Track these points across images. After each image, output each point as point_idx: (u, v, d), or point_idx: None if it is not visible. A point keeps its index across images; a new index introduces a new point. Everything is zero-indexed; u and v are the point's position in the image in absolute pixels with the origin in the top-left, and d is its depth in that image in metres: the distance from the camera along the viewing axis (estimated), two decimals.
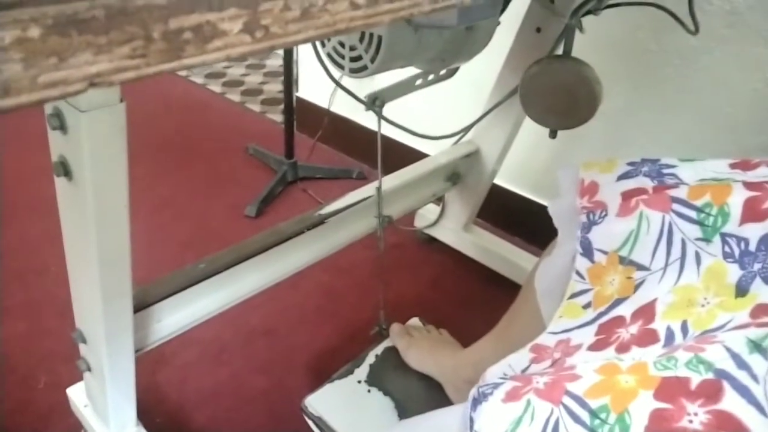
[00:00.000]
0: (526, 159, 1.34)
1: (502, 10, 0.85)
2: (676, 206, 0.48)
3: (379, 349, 1.00)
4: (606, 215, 0.52)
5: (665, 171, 0.51)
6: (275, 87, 2.17)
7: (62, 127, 0.48)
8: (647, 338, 0.45)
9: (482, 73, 1.18)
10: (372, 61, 0.72)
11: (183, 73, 2.16)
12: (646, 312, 0.47)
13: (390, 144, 1.53)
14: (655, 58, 1.09)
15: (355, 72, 0.75)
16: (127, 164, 0.51)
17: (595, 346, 0.49)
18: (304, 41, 0.23)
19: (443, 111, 1.46)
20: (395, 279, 1.24)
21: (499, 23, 0.82)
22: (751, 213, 0.45)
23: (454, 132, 1.05)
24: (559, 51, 0.76)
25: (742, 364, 0.37)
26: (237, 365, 1.03)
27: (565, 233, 0.58)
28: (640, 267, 0.50)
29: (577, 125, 0.70)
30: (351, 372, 0.96)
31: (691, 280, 0.46)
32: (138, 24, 0.18)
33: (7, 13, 0.15)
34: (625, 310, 0.49)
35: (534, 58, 0.84)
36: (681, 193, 0.48)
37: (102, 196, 0.50)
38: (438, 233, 1.34)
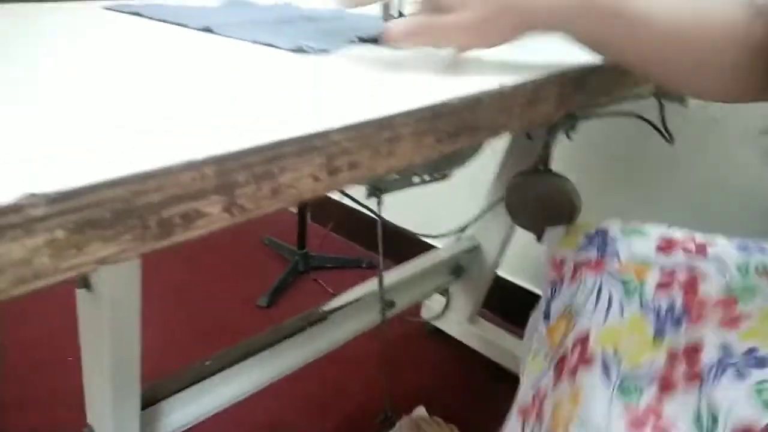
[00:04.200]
0: (526, 251, 1.38)
1: None
2: (607, 275, 0.60)
3: None
4: (561, 287, 0.64)
5: (608, 245, 0.63)
6: None
7: None
8: (586, 360, 0.55)
9: (482, 170, 1.25)
10: None
11: None
12: (583, 340, 0.57)
13: (396, 233, 1.59)
14: (643, 159, 1.15)
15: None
16: (141, 276, 0.57)
17: (555, 383, 0.58)
18: (276, 210, 0.29)
19: (446, 202, 1.52)
20: (401, 370, 1.26)
21: None
22: (661, 291, 0.56)
23: (454, 230, 1.10)
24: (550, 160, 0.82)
25: None
26: None
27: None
28: (578, 311, 0.60)
29: None
30: None
31: (616, 322, 0.57)
32: (137, 217, 0.24)
33: (41, 224, 0.21)
34: (568, 342, 0.59)
35: (526, 162, 0.90)
36: (613, 266, 0.60)
37: (117, 306, 0.56)
38: (443, 325, 1.36)
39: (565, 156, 1.17)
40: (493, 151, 1.07)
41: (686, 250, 0.61)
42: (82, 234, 0.22)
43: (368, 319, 1.04)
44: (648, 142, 1.13)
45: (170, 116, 0.29)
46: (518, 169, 0.90)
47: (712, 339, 0.50)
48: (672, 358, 0.52)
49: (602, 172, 1.20)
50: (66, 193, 0.22)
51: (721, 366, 0.48)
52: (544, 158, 0.74)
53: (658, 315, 0.55)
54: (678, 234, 0.64)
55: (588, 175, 1.22)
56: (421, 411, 1.07)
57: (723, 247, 0.61)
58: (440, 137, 0.37)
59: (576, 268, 0.64)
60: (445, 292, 1.33)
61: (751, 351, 0.47)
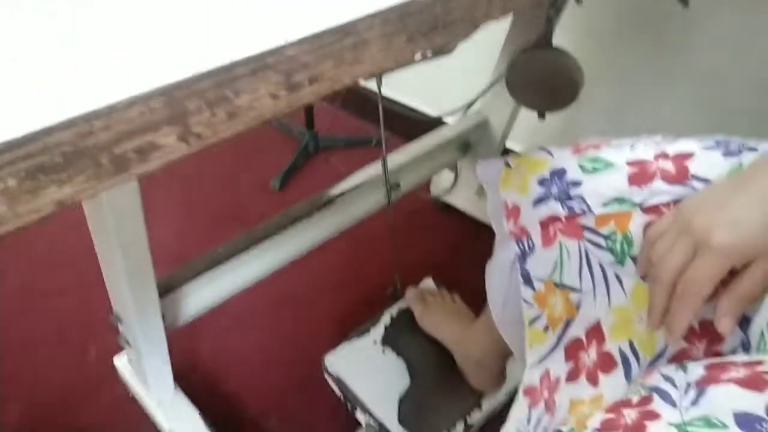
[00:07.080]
0: (535, 120, 1.36)
1: None
2: (587, 234, 0.53)
3: (394, 310, 1.07)
4: (533, 245, 0.57)
5: (572, 192, 0.55)
6: None
7: None
8: (607, 363, 0.52)
9: (488, 41, 1.19)
10: None
11: None
12: (596, 333, 0.53)
13: (403, 110, 1.56)
14: (655, 24, 1.08)
15: None
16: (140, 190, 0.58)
17: (570, 377, 0.54)
18: (235, 135, 0.29)
19: (452, 78, 1.48)
20: (411, 244, 1.30)
21: None
22: None
23: (461, 105, 1.07)
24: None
25: (668, 378, 0.43)
26: (265, 332, 1.12)
27: (501, 233, 0.63)
28: (573, 289, 0.55)
29: (561, 109, 0.72)
30: (367, 331, 1.03)
31: (621, 300, 0.51)
32: (89, 157, 0.24)
33: None
34: (578, 330, 0.54)
35: (531, 33, 0.85)
36: (589, 221, 0.53)
37: (119, 210, 0.58)
38: (452, 199, 1.38)
39: (573, 23, 1.10)
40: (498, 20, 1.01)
41: (665, 174, 0.52)
42: (35, 180, 0.23)
43: (375, 200, 1.06)
44: (661, 6, 1.05)
45: (108, 51, 0.28)
46: (522, 42, 0.86)
47: (727, 322, 0.44)
48: (688, 335, 0.48)
49: (611, 39, 1.14)
50: (9, 143, 0.22)
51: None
52: (547, 33, 0.70)
53: None
54: (646, 152, 0.54)
55: (595, 41, 1.16)
56: (428, 282, 1.12)
57: (705, 158, 0.52)
58: (412, 37, 0.35)
59: (544, 227, 0.56)
60: (453, 167, 1.33)
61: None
